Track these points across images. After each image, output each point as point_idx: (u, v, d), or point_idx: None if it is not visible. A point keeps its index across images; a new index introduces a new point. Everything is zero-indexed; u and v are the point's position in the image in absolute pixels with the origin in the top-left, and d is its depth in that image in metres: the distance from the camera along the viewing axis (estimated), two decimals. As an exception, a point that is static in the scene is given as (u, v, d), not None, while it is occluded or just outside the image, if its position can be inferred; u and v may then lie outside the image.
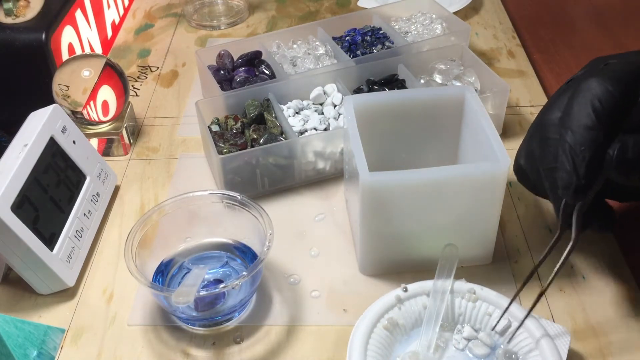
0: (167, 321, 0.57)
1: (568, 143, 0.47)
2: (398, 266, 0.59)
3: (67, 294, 0.60)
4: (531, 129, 0.53)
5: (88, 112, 0.72)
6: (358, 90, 0.76)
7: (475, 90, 0.70)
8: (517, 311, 0.51)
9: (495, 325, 0.51)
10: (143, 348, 0.55)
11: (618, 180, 0.47)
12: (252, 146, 0.68)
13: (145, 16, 1.05)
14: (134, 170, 0.74)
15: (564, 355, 0.49)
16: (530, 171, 0.54)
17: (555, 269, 0.50)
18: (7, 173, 0.56)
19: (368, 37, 0.85)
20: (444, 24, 0.87)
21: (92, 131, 0.74)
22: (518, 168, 0.56)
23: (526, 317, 0.50)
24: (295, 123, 0.71)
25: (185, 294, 0.50)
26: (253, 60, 0.82)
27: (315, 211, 0.67)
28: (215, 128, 0.71)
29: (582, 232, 0.49)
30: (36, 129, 0.60)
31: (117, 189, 0.71)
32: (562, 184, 0.47)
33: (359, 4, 1.03)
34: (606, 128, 0.46)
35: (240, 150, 0.67)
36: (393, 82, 0.76)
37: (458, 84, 0.75)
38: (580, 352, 0.53)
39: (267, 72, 0.80)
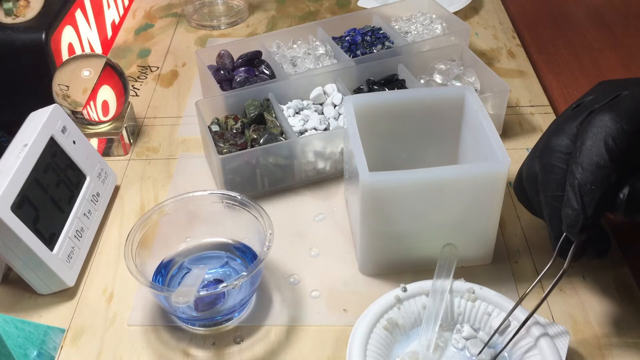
0: (167, 321, 0.57)
1: (578, 180, 0.46)
2: (398, 266, 0.59)
3: (67, 294, 0.60)
4: (535, 151, 0.52)
5: (88, 112, 0.72)
6: (358, 90, 0.76)
7: (475, 90, 0.70)
8: (517, 311, 0.51)
9: (497, 328, 0.51)
10: (143, 348, 0.55)
11: (622, 219, 0.47)
12: (252, 146, 0.68)
13: (145, 16, 1.05)
14: (134, 170, 0.74)
15: (564, 355, 0.49)
16: (530, 192, 0.53)
17: (544, 294, 0.49)
18: (7, 173, 0.56)
19: (368, 37, 0.85)
20: (444, 24, 0.87)
21: (92, 131, 0.74)
22: (518, 186, 0.55)
23: (523, 324, 0.49)
24: (295, 123, 0.71)
25: (185, 294, 0.50)
26: (253, 60, 0.82)
27: (315, 211, 0.67)
28: (215, 128, 0.71)
29: (576, 261, 0.49)
30: (36, 129, 0.60)
31: (117, 189, 0.71)
32: (568, 222, 0.46)
33: (359, 4, 1.03)
34: (618, 168, 0.45)
35: (240, 150, 0.67)
36: (393, 82, 0.76)
37: (458, 84, 0.75)
38: (580, 352, 0.53)
39: (267, 72, 0.80)
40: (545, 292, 0.49)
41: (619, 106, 0.47)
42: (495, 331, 0.50)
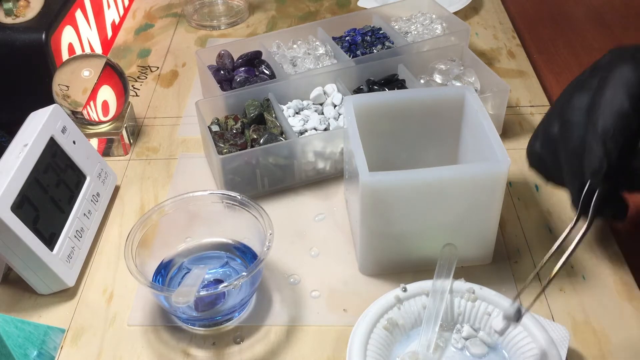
0: (167, 321, 0.57)
1: (600, 128, 0.46)
2: (398, 266, 0.59)
3: (67, 294, 0.60)
4: (550, 115, 0.52)
5: (88, 112, 0.72)
6: (358, 90, 0.76)
7: (475, 90, 0.70)
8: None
9: (513, 305, 0.49)
10: (143, 348, 0.55)
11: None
12: (252, 146, 0.68)
13: (145, 16, 1.05)
14: (134, 170, 0.74)
15: (564, 355, 0.49)
16: (547, 156, 0.52)
17: (566, 254, 0.48)
18: (7, 173, 0.56)
19: (368, 37, 0.85)
20: (444, 24, 0.87)
21: (92, 131, 0.74)
22: (532, 152, 0.54)
23: (542, 290, 0.48)
24: (295, 123, 0.71)
25: (185, 294, 0.50)
26: (253, 60, 0.82)
27: (315, 211, 0.67)
28: (215, 128, 0.71)
29: (596, 218, 0.48)
30: (36, 129, 0.60)
31: (117, 189, 0.71)
32: (592, 169, 0.46)
33: (359, 4, 1.03)
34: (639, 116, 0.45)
35: (240, 150, 0.67)
36: (393, 82, 0.76)
37: (458, 84, 0.75)
38: (580, 352, 0.53)
39: (267, 72, 0.80)
40: (567, 253, 0.48)
41: (637, 58, 0.47)
42: (524, 287, 0.49)
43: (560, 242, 0.49)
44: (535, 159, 0.54)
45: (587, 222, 0.48)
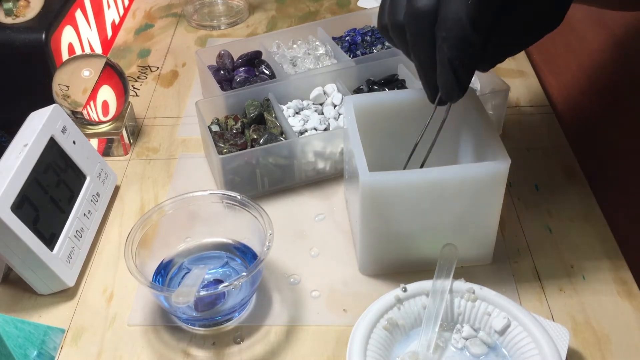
0: (167, 321, 0.57)
1: (447, 56, 0.46)
2: (398, 266, 0.59)
3: (67, 294, 0.60)
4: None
5: (88, 112, 0.72)
6: (358, 90, 0.76)
7: (475, 90, 0.70)
8: (517, 311, 0.51)
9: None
10: (143, 348, 0.55)
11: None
12: (252, 146, 0.68)
13: (145, 16, 1.05)
14: (134, 170, 0.74)
15: (564, 355, 0.49)
16: (399, 43, 0.51)
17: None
18: (7, 173, 0.56)
19: (368, 37, 0.85)
20: (444, 24, 0.87)
21: (92, 131, 0.74)
22: (381, 30, 0.53)
23: None
24: (295, 123, 0.71)
25: (185, 294, 0.50)
26: (253, 60, 0.82)
27: (315, 211, 0.67)
28: (215, 128, 0.71)
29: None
30: (36, 129, 0.60)
31: (117, 189, 0.71)
32: (445, 93, 0.48)
33: (359, 4, 1.03)
34: (484, 35, 0.45)
35: (240, 150, 0.67)
36: (393, 82, 0.76)
37: (458, 84, 0.75)
38: (580, 352, 0.53)
39: (267, 72, 0.80)
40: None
41: None
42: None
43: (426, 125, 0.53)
44: (386, 36, 0.53)
45: (444, 115, 0.52)
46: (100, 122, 0.74)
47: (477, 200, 0.55)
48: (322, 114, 0.73)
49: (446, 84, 0.48)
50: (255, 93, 0.74)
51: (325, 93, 0.75)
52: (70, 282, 0.59)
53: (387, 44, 0.84)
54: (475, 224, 0.57)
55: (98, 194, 0.66)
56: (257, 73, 0.80)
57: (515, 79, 0.85)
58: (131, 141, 0.77)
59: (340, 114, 0.73)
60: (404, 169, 0.57)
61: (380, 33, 0.53)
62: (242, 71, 0.79)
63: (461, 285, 0.53)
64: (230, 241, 0.60)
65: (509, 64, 0.89)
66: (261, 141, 0.68)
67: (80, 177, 0.65)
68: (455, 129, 0.64)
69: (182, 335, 0.56)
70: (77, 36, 0.83)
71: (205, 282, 0.57)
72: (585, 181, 0.69)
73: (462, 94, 0.49)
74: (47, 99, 0.70)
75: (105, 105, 0.73)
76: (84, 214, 0.63)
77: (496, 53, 0.48)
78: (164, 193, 0.70)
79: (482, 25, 0.45)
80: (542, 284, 0.58)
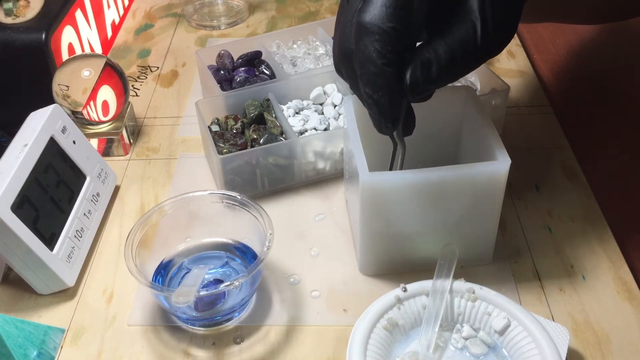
0: (167, 321, 0.57)
1: (365, 92, 0.46)
2: (398, 266, 0.59)
3: (67, 294, 0.60)
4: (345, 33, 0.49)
5: (88, 112, 0.72)
6: (358, 90, 0.76)
7: (475, 90, 0.70)
8: (517, 311, 0.51)
9: None
10: (143, 348, 0.55)
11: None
12: (252, 146, 0.68)
13: (145, 16, 1.05)
14: (134, 170, 0.74)
15: (564, 355, 0.49)
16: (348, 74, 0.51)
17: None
18: (7, 173, 0.56)
19: (368, 37, 0.85)
20: (444, 24, 0.87)
21: (92, 131, 0.74)
22: (335, 64, 0.53)
23: None
24: (295, 123, 0.71)
25: (185, 294, 0.50)
26: (253, 60, 0.82)
27: (315, 211, 0.67)
28: (215, 128, 0.71)
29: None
30: (36, 129, 0.60)
31: (117, 189, 0.71)
32: (375, 125, 0.48)
33: (359, 4, 1.03)
34: (398, 65, 0.44)
35: (240, 150, 0.67)
36: (393, 82, 0.76)
37: (458, 84, 0.75)
38: (580, 352, 0.53)
39: (267, 72, 0.80)
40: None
41: (372, 5, 0.45)
42: None
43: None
44: (339, 71, 0.52)
45: (400, 147, 0.52)
46: (100, 122, 0.74)
47: (477, 200, 0.55)
48: (322, 114, 0.73)
49: (373, 119, 0.48)
50: (255, 93, 0.74)
51: (325, 93, 0.75)
52: (70, 282, 0.59)
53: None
54: (475, 224, 0.57)
55: (98, 194, 0.66)
56: (257, 73, 0.80)
57: (515, 79, 0.85)
58: (131, 141, 0.77)
59: (340, 114, 0.73)
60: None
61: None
62: (242, 71, 0.79)
63: (461, 285, 0.53)
64: (230, 241, 0.60)
65: (509, 64, 0.89)
66: (261, 141, 0.68)
67: (80, 177, 0.65)
68: (455, 129, 0.64)
69: (182, 335, 0.56)
70: (77, 36, 0.83)
71: (205, 282, 0.57)
72: (585, 181, 0.69)
73: (393, 126, 0.48)
74: (47, 99, 0.70)
75: (105, 105, 0.73)
76: (84, 214, 0.63)
77: (415, 85, 0.45)
78: (164, 193, 0.70)
79: (392, 59, 0.44)
80: (542, 283, 0.58)
